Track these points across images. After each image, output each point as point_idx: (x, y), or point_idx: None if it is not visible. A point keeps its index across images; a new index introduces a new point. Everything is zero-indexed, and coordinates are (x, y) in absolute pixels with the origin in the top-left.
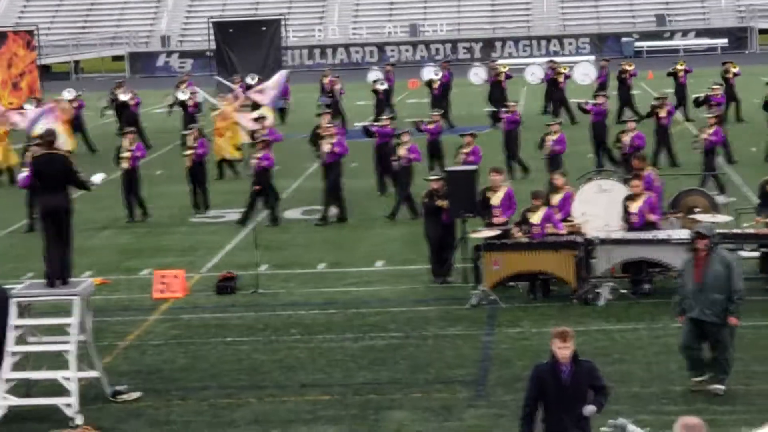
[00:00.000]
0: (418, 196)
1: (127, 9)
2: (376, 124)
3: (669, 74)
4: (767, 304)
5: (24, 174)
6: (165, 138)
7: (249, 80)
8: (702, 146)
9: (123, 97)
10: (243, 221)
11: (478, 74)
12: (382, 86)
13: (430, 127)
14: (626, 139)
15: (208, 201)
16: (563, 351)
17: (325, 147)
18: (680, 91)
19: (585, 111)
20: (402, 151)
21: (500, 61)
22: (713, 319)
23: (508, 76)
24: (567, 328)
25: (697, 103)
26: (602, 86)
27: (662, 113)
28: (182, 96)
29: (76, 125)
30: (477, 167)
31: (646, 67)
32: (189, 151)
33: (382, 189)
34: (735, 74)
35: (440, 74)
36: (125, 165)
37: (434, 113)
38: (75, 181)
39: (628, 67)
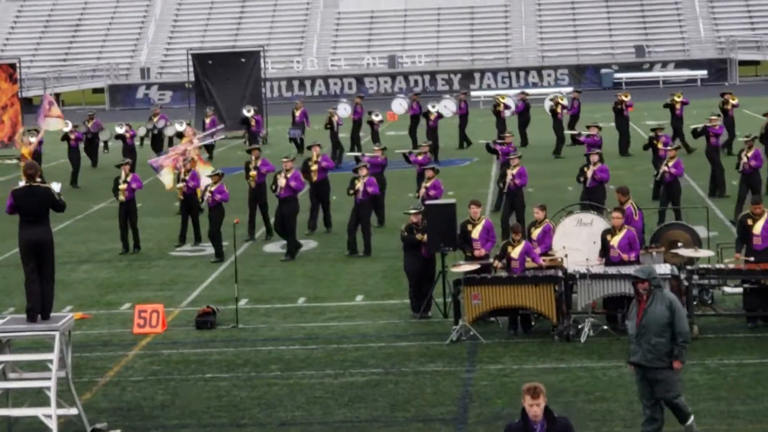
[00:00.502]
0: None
1: (108, 41)
2: (367, 154)
3: (665, 105)
4: (750, 341)
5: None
6: (139, 170)
7: (245, 112)
8: (662, 178)
9: (119, 130)
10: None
11: (447, 107)
12: (377, 117)
13: (419, 158)
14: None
15: (199, 233)
16: (534, 409)
17: (281, 181)
18: (676, 122)
19: (578, 142)
20: (359, 185)
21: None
22: (655, 364)
23: (506, 106)
24: (537, 383)
25: (696, 134)
26: (574, 118)
27: (659, 145)
28: (119, 129)
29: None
30: (455, 201)
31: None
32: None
33: (381, 221)
34: (734, 105)
35: (407, 106)
36: (122, 197)
37: (423, 144)
38: (57, 207)
39: (624, 98)
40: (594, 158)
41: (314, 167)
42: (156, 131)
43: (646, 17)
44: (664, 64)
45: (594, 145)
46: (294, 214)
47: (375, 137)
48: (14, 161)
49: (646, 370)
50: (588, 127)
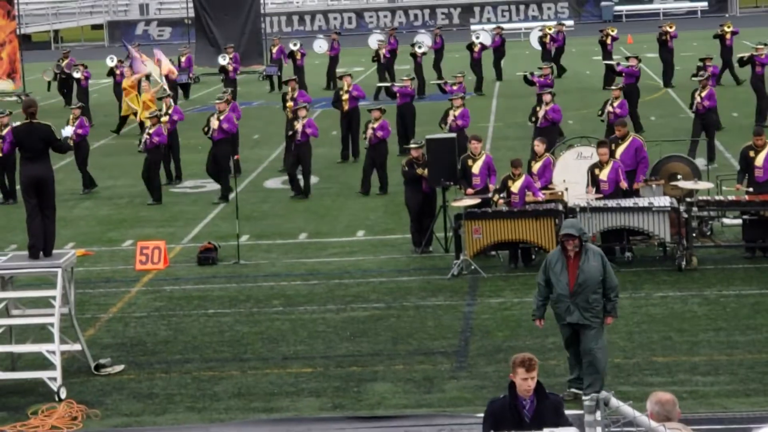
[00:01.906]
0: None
1: None
2: (396, 84)
3: (715, 36)
4: (749, 272)
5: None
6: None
7: (221, 60)
8: (607, 118)
9: (76, 74)
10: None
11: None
12: (420, 49)
13: (455, 87)
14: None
15: (180, 172)
16: (528, 383)
17: (213, 123)
18: (726, 53)
19: (617, 73)
20: (369, 131)
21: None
22: (593, 321)
23: (483, 45)
24: (531, 355)
25: (742, 63)
26: (559, 50)
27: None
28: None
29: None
30: (455, 135)
31: (627, 30)
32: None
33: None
34: (732, 33)
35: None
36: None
37: (458, 75)
38: (57, 147)
39: (669, 29)
40: (546, 98)
41: (345, 96)
42: (64, 75)
43: None
44: None
45: (546, 85)
46: (227, 156)
47: (381, 71)
48: (14, 98)
49: (580, 328)
50: (540, 68)
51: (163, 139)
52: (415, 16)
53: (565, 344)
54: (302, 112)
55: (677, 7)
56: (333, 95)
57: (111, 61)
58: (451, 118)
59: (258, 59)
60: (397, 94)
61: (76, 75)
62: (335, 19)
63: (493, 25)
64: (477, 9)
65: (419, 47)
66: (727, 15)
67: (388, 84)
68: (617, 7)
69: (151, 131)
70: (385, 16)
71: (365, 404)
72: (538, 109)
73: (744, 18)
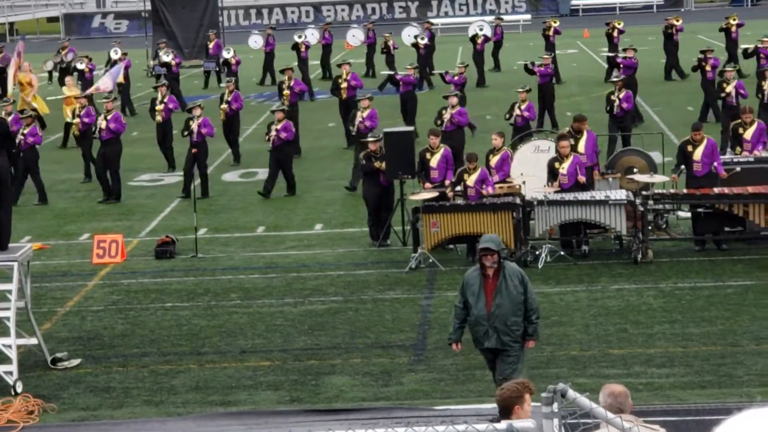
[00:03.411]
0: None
1: None
2: (400, 73)
3: (721, 29)
4: (703, 265)
5: None
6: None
7: (225, 54)
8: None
9: (80, 65)
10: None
11: (355, 36)
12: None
13: (455, 78)
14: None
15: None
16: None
17: (101, 123)
18: (732, 46)
19: (616, 65)
20: (273, 132)
21: (435, 21)
22: (512, 346)
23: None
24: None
25: (747, 54)
26: (497, 44)
27: (708, 67)
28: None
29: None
30: (413, 129)
31: (583, 25)
32: (75, 119)
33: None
34: (740, 25)
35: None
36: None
37: (460, 66)
38: (9, 140)
39: (675, 22)
40: (453, 101)
41: (344, 85)
42: (64, 65)
43: None
44: None
45: (460, 85)
46: (117, 155)
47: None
48: None
49: (498, 353)
50: (458, 66)
51: (37, 139)
52: (373, 9)
53: (489, 368)
54: (197, 111)
55: (633, 1)
56: (331, 83)
57: (115, 54)
58: (447, 116)
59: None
60: (401, 83)
61: (80, 66)
62: (293, 12)
63: (493, 17)
64: (435, 2)
65: (422, 39)
66: (682, 9)
67: (392, 72)
68: (574, 1)
69: (24, 131)
70: (343, 10)
71: (323, 397)
72: (444, 112)
73: (699, 12)
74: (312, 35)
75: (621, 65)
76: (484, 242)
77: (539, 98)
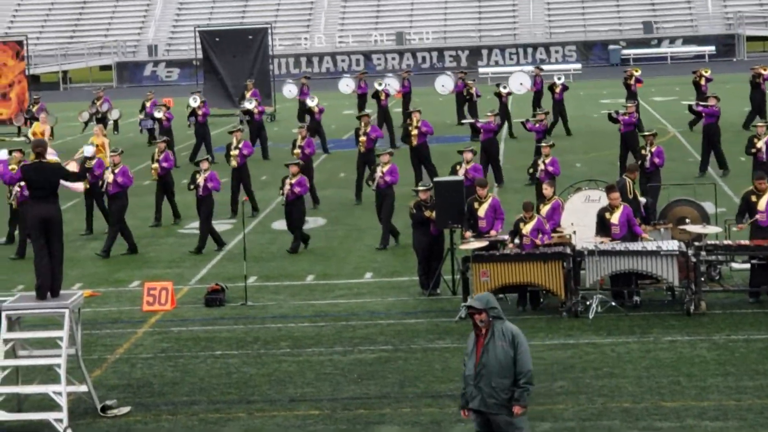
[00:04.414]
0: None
1: (115, 18)
2: (481, 120)
3: (751, 81)
4: (758, 317)
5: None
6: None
7: (247, 104)
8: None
9: (158, 114)
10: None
11: (390, 85)
12: (504, 89)
13: (537, 126)
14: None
15: (177, 211)
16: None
17: (108, 177)
18: (759, 96)
19: (696, 113)
20: (378, 174)
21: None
22: (497, 411)
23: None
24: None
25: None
26: (538, 95)
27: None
28: (158, 114)
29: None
30: (462, 178)
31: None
32: (155, 164)
33: (499, 180)
34: (765, 79)
35: (385, 86)
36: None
37: (539, 113)
38: (73, 177)
39: (634, 73)
40: (546, 150)
41: (414, 132)
42: (100, 115)
43: None
44: (672, 40)
45: (542, 132)
46: (123, 208)
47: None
48: (23, 139)
49: (487, 417)
50: (626, 106)
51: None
52: (423, 58)
53: None
54: (204, 165)
55: (685, 51)
56: (402, 130)
57: (194, 102)
58: (541, 167)
59: (266, 101)
60: (481, 130)
61: (158, 115)
62: (343, 61)
63: (533, 67)
64: (485, 51)
65: (504, 87)
66: (734, 59)
67: (472, 120)
68: (625, 51)
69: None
70: (393, 59)
71: None
72: (458, 168)
73: (751, 62)
74: (391, 84)
75: (702, 113)
76: (471, 301)
77: (621, 146)
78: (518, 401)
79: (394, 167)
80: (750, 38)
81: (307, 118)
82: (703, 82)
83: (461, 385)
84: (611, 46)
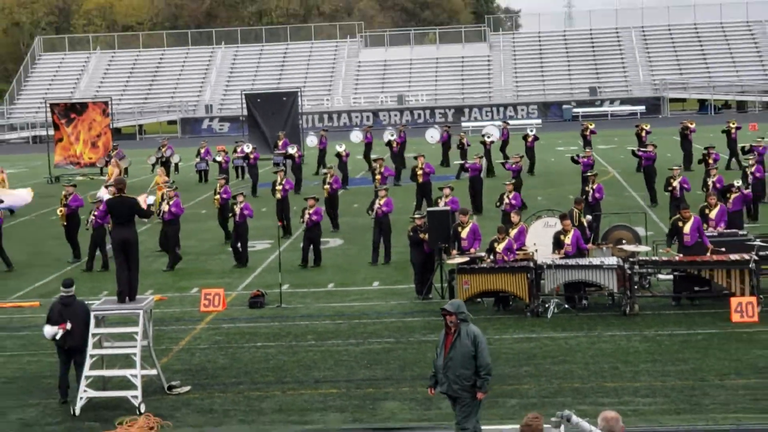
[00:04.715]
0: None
1: (180, 84)
2: (469, 161)
3: (723, 131)
4: (679, 317)
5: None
6: (200, 187)
7: (290, 150)
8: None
9: (176, 159)
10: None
11: (433, 136)
12: (489, 138)
13: (513, 166)
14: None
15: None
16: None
17: (164, 207)
18: (732, 144)
19: (638, 156)
20: (376, 205)
21: (466, 124)
22: (460, 394)
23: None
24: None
25: (744, 151)
26: (505, 143)
27: (710, 160)
28: (175, 159)
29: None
30: (449, 208)
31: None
32: (216, 196)
33: (479, 210)
34: (691, 131)
35: (395, 136)
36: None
37: (516, 156)
38: (142, 214)
39: (645, 126)
40: (509, 187)
41: (419, 172)
42: (164, 159)
43: (598, 65)
44: (612, 101)
45: (517, 171)
46: (176, 233)
47: (394, 158)
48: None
49: (454, 399)
50: (585, 151)
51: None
52: (419, 115)
53: (453, 409)
54: (240, 198)
55: (621, 109)
56: (410, 172)
57: (248, 148)
58: (506, 200)
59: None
60: (469, 169)
61: (219, 159)
62: (356, 117)
63: (501, 121)
64: (466, 110)
65: (488, 137)
66: (659, 116)
67: (463, 162)
68: (575, 110)
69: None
70: (395, 115)
71: (378, 418)
72: (439, 200)
73: (673, 118)
74: (392, 134)
75: (642, 157)
76: (446, 305)
77: (582, 181)
78: (480, 388)
79: (389, 200)
80: (672, 100)
81: (336, 160)
82: (643, 133)
83: (432, 368)
84: (564, 106)
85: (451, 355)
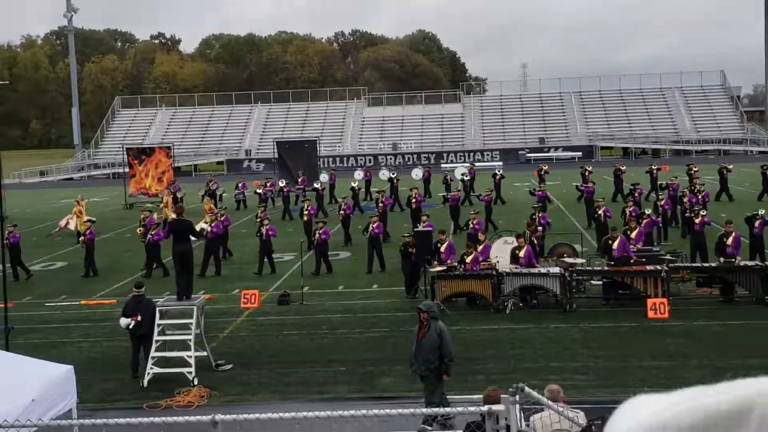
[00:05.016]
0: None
1: (226, 133)
2: (450, 194)
3: (647, 171)
4: (608, 314)
5: (157, 231)
6: (239, 213)
7: (315, 184)
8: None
9: (220, 191)
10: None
11: (417, 174)
12: (392, 175)
13: (539, 192)
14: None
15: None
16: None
17: (207, 227)
18: (654, 181)
19: (532, 194)
20: (371, 228)
21: (445, 165)
22: (427, 374)
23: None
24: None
25: (661, 188)
26: (472, 180)
27: (636, 193)
28: (258, 190)
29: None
30: (431, 229)
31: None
32: (257, 221)
33: (456, 231)
34: (622, 172)
35: (395, 174)
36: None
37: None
38: (195, 234)
39: (589, 168)
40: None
41: (413, 200)
42: (210, 191)
43: (546, 120)
44: (556, 148)
45: (488, 201)
46: (218, 247)
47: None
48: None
49: (422, 377)
50: (539, 186)
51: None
52: (409, 158)
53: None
54: (266, 222)
55: (563, 155)
56: (406, 200)
57: (282, 182)
58: (471, 224)
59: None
60: (449, 199)
61: (259, 191)
62: (360, 159)
63: (468, 163)
64: (445, 154)
65: (466, 176)
66: (593, 160)
67: (445, 193)
68: (528, 155)
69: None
70: (391, 158)
71: (377, 390)
72: (470, 222)
73: (604, 162)
74: (390, 173)
75: (583, 191)
76: (421, 305)
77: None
78: (446, 372)
79: (380, 224)
80: (602, 147)
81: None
82: (587, 173)
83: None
84: (520, 152)
85: (422, 344)
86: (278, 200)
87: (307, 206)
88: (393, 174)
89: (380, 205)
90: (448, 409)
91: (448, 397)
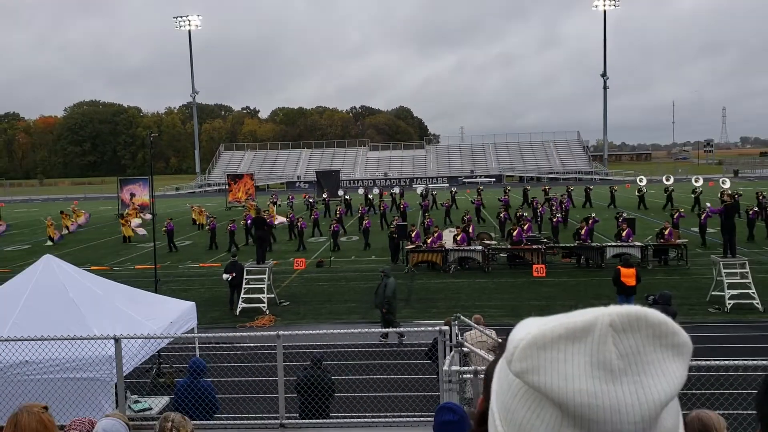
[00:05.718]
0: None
1: (286, 165)
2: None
3: (542, 190)
4: (511, 273)
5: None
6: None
7: (346, 197)
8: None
9: (278, 201)
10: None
11: (417, 190)
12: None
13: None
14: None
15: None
16: None
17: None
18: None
19: (499, 200)
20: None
21: (431, 185)
22: (380, 309)
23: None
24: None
25: (547, 200)
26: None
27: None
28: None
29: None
30: (406, 223)
31: (469, 187)
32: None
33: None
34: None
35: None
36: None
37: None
38: (268, 227)
39: (480, 187)
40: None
41: (402, 206)
42: (274, 201)
43: (474, 159)
44: (480, 176)
45: (507, 204)
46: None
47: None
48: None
49: (380, 310)
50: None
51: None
52: (395, 182)
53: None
54: (301, 219)
55: (485, 180)
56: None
57: (418, 190)
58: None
59: (336, 194)
60: (422, 205)
61: (311, 200)
62: (363, 182)
63: (424, 185)
64: (416, 179)
65: (434, 192)
66: (501, 183)
67: (421, 201)
68: (464, 180)
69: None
70: (383, 183)
71: (374, 317)
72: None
73: (509, 184)
74: (386, 192)
75: (502, 202)
76: (382, 268)
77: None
78: (387, 309)
79: (368, 223)
80: (507, 175)
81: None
82: (506, 190)
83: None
84: (459, 178)
85: (378, 292)
86: (319, 205)
87: (337, 212)
88: (427, 190)
89: (381, 207)
90: (401, 329)
91: (415, 322)
